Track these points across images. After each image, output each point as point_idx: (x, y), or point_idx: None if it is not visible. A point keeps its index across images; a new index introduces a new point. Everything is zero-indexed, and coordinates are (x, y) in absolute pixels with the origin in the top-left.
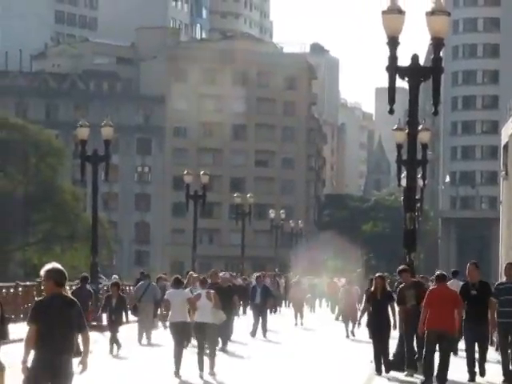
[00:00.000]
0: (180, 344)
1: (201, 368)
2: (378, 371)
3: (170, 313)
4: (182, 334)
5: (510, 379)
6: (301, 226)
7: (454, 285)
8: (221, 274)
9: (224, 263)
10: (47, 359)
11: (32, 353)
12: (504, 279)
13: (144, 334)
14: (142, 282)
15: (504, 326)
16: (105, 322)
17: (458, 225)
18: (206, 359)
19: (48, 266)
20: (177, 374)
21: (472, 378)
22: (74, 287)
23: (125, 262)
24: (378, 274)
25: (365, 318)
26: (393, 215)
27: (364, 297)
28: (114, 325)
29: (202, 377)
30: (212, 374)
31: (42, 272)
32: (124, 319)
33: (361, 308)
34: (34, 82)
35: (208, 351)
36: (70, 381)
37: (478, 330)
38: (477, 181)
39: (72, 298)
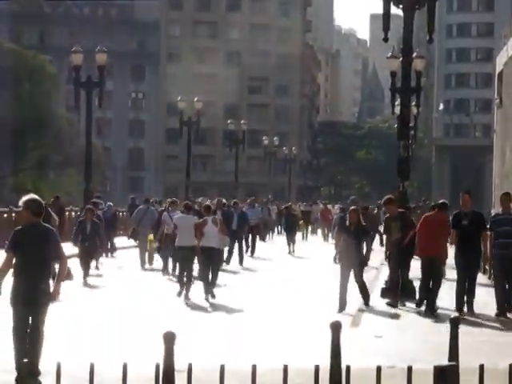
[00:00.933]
0: (184, 267)
1: (207, 291)
2: (366, 304)
3: (177, 237)
4: (187, 258)
5: (504, 313)
6: (294, 152)
7: None
8: (199, 200)
9: (217, 190)
10: (26, 286)
11: (7, 279)
12: (499, 210)
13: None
14: (141, 206)
15: (501, 258)
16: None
17: (451, 152)
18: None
19: (26, 197)
20: (179, 295)
21: (460, 307)
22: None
23: (118, 188)
24: (351, 208)
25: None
26: (386, 142)
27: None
28: (89, 252)
29: (208, 299)
30: (212, 294)
31: (21, 202)
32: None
33: None
34: (28, 7)
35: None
36: (47, 306)
37: (468, 261)
38: (471, 108)
39: (49, 226)
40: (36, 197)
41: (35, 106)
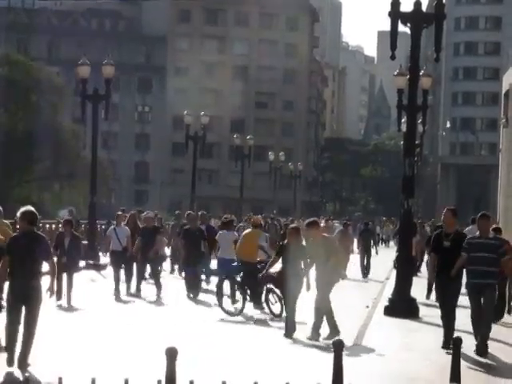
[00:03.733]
0: (223, 277)
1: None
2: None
3: (219, 250)
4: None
5: (482, 352)
6: (300, 168)
7: (473, 231)
8: (143, 214)
9: (222, 204)
10: (20, 284)
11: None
12: (476, 233)
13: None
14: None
15: (475, 288)
16: (103, 260)
17: (457, 170)
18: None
19: (23, 209)
20: (220, 306)
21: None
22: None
23: (123, 201)
24: (291, 226)
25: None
26: (392, 159)
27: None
28: (67, 268)
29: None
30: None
31: (18, 213)
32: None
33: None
34: (36, 19)
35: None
36: (39, 303)
37: (450, 288)
38: (477, 127)
39: (40, 233)
40: (31, 208)
41: (41, 118)
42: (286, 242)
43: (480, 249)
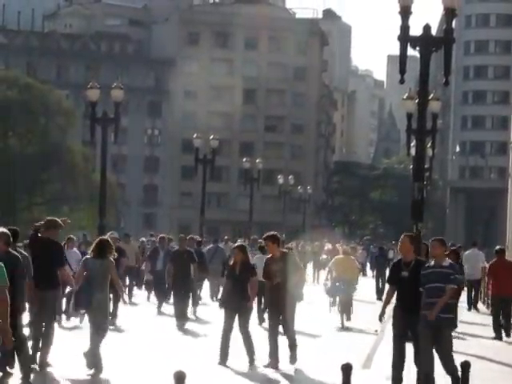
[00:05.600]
0: (260, 298)
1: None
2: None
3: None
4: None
5: None
6: (309, 192)
7: (473, 254)
8: (108, 234)
9: (231, 228)
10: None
11: None
12: (431, 261)
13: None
14: (211, 246)
15: (427, 322)
16: None
17: (466, 194)
18: None
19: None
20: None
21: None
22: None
23: (132, 224)
24: (236, 244)
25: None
26: (402, 183)
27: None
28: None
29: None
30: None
31: None
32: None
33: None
34: (45, 42)
35: None
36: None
37: (410, 324)
38: (486, 151)
39: (16, 253)
40: (5, 230)
41: (50, 141)
42: (232, 262)
43: (433, 279)
